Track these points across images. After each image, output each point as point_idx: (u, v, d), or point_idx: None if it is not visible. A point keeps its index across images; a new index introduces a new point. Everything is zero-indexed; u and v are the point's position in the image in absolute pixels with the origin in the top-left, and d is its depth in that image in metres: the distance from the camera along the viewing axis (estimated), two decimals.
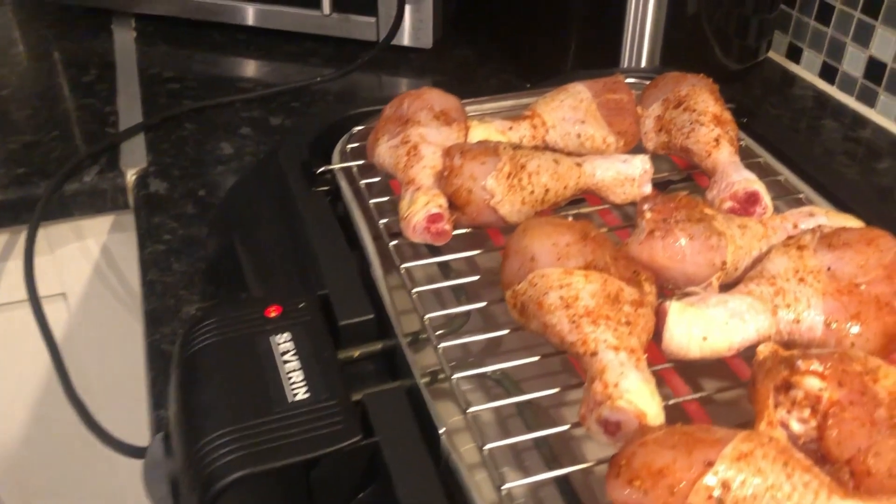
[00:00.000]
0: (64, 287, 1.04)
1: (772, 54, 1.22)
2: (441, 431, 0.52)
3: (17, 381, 1.09)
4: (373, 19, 1.15)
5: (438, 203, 0.64)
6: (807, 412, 0.49)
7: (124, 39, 1.23)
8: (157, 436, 0.56)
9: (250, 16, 1.21)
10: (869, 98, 1.07)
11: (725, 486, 0.42)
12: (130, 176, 0.95)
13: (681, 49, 1.06)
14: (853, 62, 1.08)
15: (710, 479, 0.42)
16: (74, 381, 0.76)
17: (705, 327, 0.55)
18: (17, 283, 0.92)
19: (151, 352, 0.73)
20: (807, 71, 1.17)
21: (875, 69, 1.05)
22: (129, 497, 1.19)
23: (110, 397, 1.06)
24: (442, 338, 0.59)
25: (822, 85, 1.14)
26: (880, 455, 0.47)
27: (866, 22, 1.04)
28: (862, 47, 1.06)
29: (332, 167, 0.73)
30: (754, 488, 0.43)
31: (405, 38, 1.17)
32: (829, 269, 0.57)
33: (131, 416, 0.93)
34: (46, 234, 0.98)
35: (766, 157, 0.78)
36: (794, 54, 1.18)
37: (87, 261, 1.03)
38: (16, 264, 0.99)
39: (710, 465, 0.43)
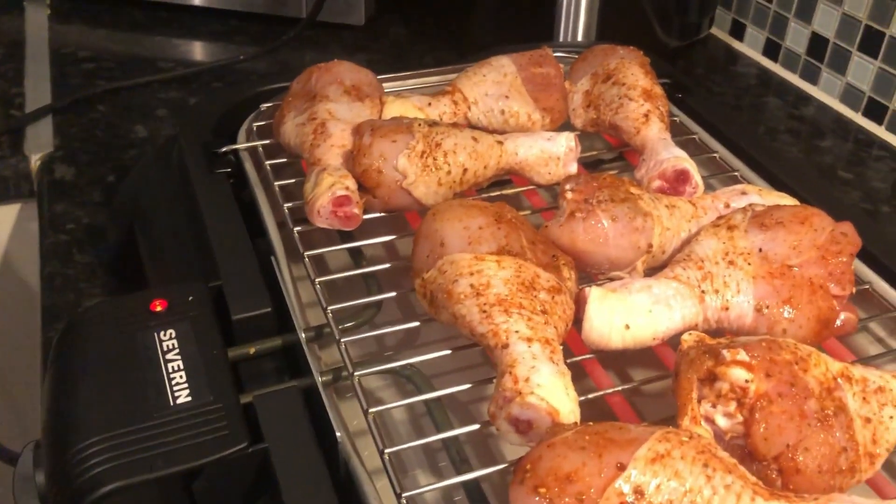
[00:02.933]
0: None
1: (715, 31, 1.19)
2: (338, 435, 0.47)
3: None
4: None
5: (345, 185, 0.59)
6: (732, 406, 0.45)
7: (37, 17, 1.16)
8: (27, 445, 0.50)
9: None
10: (812, 75, 1.04)
11: (638, 491, 0.38)
12: (35, 161, 0.89)
13: (618, 26, 1.02)
14: (796, 38, 1.05)
15: (622, 485, 0.38)
16: None
17: (627, 315, 0.51)
18: None
19: (46, 350, 0.67)
20: (750, 48, 1.14)
21: (818, 45, 1.02)
22: None
23: (10, 402, 1.00)
24: (346, 332, 0.54)
25: (766, 62, 1.11)
26: (809, 451, 0.43)
27: None
28: (804, 23, 1.02)
29: (235, 147, 0.68)
30: (671, 493, 0.39)
31: (336, 14, 1.12)
32: (760, 250, 0.54)
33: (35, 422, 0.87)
34: None
35: (701, 134, 0.74)
36: (738, 31, 1.15)
37: None
38: None
39: (622, 468, 0.39)
